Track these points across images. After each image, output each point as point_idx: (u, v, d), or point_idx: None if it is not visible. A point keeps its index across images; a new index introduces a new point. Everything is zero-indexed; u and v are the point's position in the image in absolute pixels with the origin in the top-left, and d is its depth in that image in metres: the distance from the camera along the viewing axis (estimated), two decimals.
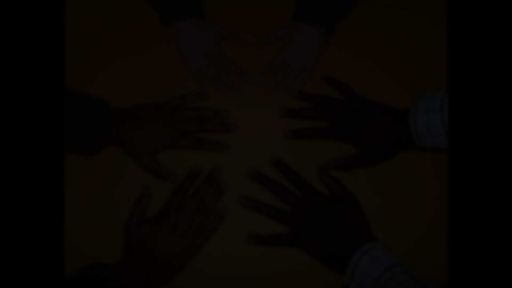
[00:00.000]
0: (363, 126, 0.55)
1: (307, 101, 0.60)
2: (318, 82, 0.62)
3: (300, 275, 0.54)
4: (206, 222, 0.55)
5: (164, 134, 0.56)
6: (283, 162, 0.57)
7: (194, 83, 0.62)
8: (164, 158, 0.57)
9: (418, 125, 0.50)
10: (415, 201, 0.57)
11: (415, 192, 0.57)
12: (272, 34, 0.63)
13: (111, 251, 0.53)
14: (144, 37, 0.64)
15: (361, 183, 0.57)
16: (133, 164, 0.56)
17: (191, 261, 0.54)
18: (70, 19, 0.63)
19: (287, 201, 0.54)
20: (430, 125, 0.49)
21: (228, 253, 0.55)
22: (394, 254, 0.48)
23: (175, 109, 0.58)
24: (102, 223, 0.56)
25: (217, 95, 0.61)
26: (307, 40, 0.61)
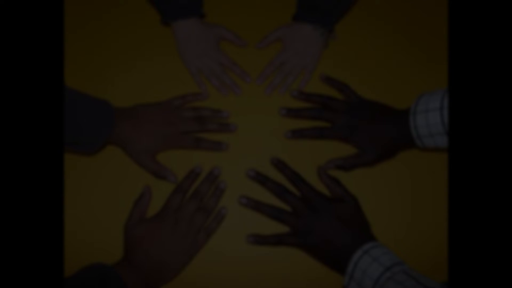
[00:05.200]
0: (363, 126, 0.55)
1: (307, 101, 0.60)
2: (318, 82, 0.62)
3: (300, 275, 0.54)
4: (206, 222, 0.55)
5: (164, 134, 0.56)
6: (283, 162, 0.57)
7: (194, 83, 0.62)
8: (164, 158, 0.57)
9: (418, 125, 0.50)
10: (415, 201, 0.57)
11: (415, 192, 0.57)
12: (272, 34, 0.63)
13: (111, 251, 0.53)
14: (144, 37, 0.64)
15: (361, 183, 0.57)
16: (133, 164, 0.56)
17: (191, 261, 0.54)
18: (70, 19, 0.63)
19: (287, 201, 0.54)
20: (430, 125, 0.49)
21: (228, 253, 0.55)
22: (394, 254, 0.48)
23: (175, 109, 0.58)
24: (102, 223, 0.56)
25: (217, 95, 0.61)
26: (307, 40, 0.61)
